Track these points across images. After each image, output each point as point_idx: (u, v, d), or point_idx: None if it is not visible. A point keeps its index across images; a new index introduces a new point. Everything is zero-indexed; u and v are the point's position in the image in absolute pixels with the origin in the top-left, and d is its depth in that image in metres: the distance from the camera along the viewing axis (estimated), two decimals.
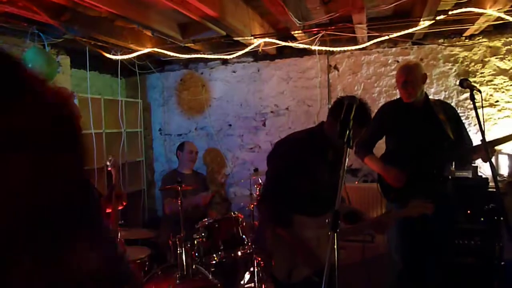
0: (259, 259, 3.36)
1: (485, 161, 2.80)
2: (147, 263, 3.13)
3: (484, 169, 3.77)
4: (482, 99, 2.41)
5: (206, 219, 3.17)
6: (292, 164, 2.22)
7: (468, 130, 3.97)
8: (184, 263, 2.79)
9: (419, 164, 2.82)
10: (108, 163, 2.46)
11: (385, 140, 3.14)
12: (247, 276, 3.50)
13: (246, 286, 3.47)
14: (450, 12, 3.22)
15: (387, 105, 3.16)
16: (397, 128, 2.99)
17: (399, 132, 2.99)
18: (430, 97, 3.05)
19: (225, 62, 4.91)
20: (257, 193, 3.53)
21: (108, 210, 2.23)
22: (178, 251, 2.80)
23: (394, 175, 2.85)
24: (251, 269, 3.42)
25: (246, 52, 4.01)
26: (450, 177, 2.98)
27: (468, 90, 2.36)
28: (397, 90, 4.19)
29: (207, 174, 4.92)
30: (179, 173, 3.98)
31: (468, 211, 3.36)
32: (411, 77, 2.84)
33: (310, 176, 2.23)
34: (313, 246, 2.22)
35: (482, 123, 2.27)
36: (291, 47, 4.05)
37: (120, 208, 2.29)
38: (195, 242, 3.02)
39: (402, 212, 2.46)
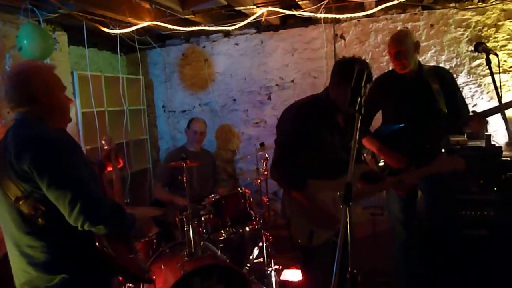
0: (268, 234, 3.32)
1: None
2: (154, 241, 3.09)
3: (497, 137, 3.66)
4: (499, 63, 2.28)
5: (212, 196, 3.12)
6: (300, 127, 2.20)
7: (480, 98, 3.90)
8: (192, 241, 2.74)
9: (411, 137, 2.73)
10: (103, 142, 2.38)
11: (381, 113, 3.04)
12: (255, 251, 3.48)
13: (255, 261, 3.45)
14: None
15: (380, 78, 3.02)
16: (389, 101, 2.90)
17: (391, 105, 2.90)
18: (433, 63, 2.93)
19: (227, 34, 4.76)
20: (264, 168, 3.46)
21: (109, 169, 2.22)
22: (186, 229, 2.75)
23: (395, 158, 2.75)
24: (260, 244, 3.40)
25: (248, 23, 3.86)
26: (443, 150, 2.90)
27: (481, 56, 2.23)
28: None
29: (215, 152, 4.86)
30: (185, 150, 3.90)
31: (481, 181, 3.27)
32: (403, 47, 2.71)
33: (319, 139, 2.20)
34: (330, 208, 2.21)
35: (499, 89, 2.16)
36: (295, 17, 3.89)
37: (119, 166, 2.26)
38: (202, 219, 2.98)
39: (430, 169, 2.35)
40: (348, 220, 1.40)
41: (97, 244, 1.60)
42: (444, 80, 2.81)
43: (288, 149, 2.23)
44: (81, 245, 1.60)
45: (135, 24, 3.79)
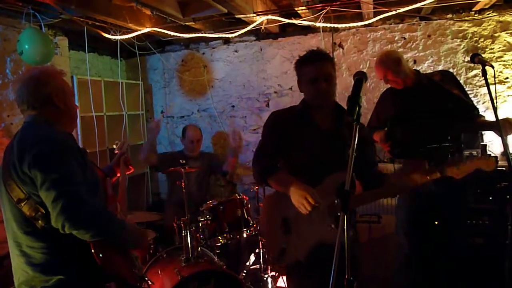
0: (264, 240, 3.33)
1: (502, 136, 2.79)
2: (152, 246, 3.10)
3: (493, 147, 3.70)
4: (494, 75, 2.31)
5: (210, 201, 3.13)
6: (271, 132, 2.18)
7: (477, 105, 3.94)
8: (189, 246, 2.75)
9: (425, 141, 2.80)
10: (114, 146, 2.40)
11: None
12: (252, 257, 3.49)
13: (251, 267, 3.46)
14: None
15: (385, 93, 3.16)
16: (396, 114, 2.97)
17: (400, 118, 2.96)
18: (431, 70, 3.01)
19: (226, 41, 4.79)
20: None
21: (118, 174, 2.23)
22: (183, 234, 2.76)
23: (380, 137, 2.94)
24: (256, 250, 3.41)
25: (248, 31, 3.90)
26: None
27: (477, 66, 2.29)
28: None
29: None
30: (184, 155, 3.91)
31: (478, 190, 3.29)
32: (389, 71, 2.83)
33: (295, 144, 2.08)
34: (304, 223, 2.00)
35: (494, 99, 2.19)
36: (294, 25, 3.93)
37: (128, 173, 2.27)
38: (200, 225, 2.99)
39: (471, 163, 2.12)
40: (345, 227, 1.41)
41: (92, 250, 1.60)
42: (446, 79, 2.87)
43: (263, 147, 2.20)
44: (79, 249, 1.61)
45: (135, 30, 3.81)
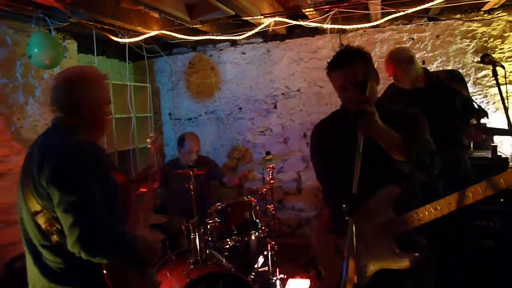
0: (273, 242, 3.32)
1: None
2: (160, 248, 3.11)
3: (503, 148, 3.66)
4: (505, 75, 2.29)
5: (219, 204, 3.13)
6: (317, 150, 2.01)
7: (486, 108, 3.89)
8: (198, 248, 2.75)
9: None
10: (148, 140, 2.40)
11: None
12: (260, 260, 3.47)
13: (260, 269, 3.44)
14: None
15: (389, 91, 3.08)
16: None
17: None
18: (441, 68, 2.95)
19: (234, 43, 4.80)
20: (270, 177, 3.47)
21: (142, 189, 2.13)
22: (192, 236, 2.76)
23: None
24: (265, 252, 3.39)
25: (255, 33, 3.90)
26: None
27: (487, 66, 2.25)
28: None
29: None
30: (179, 164, 3.79)
31: None
32: (399, 69, 2.77)
33: (342, 157, 1.72)
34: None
35: (506, 100, 2.17)
36: (301, 26, 3.93)
37: (155, 187, 2.22)
38: (208, 227, 2.98)
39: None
40: (354, 230, 1.39)
41: (104, 272, 1.56)
42: (454, 79, 2.84)
43: (321, 180, 2.02)
44: (93, 266, 1.56)
45: (143, 33, 3.83)
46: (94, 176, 1.55)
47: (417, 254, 1.62)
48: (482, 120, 2.96)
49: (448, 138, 2.68)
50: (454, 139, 2.81)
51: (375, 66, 4.36)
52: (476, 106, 2.94)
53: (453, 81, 2.84)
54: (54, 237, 1.53)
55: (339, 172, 1.77)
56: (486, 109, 3.89)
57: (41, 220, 1.54)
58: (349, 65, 1.73)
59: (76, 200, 1.47)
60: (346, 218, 1.37)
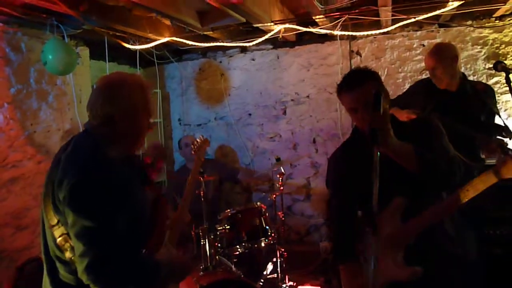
0: (282, 249, 3.32)
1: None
2: None
3: None
4: None
5: (229, 210, 3.13)
6: (335, 181, 1.98)
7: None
8: (208, 254, 2.76)
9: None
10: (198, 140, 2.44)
11: None
12: (269, 266, 3.47)
13: (268, 276, 3.44)
14: None
15: (421, 83, 3.02)
16: (427, 108, 2.85)
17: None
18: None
19: (243, 50, 4.82)
20: (279, 183, 3.47)
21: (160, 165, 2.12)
22: (202, 243, 2.77)
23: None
24: (274, 259, 3.39)
25: (265, 39, 3.92)
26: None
27: (499, 73, 2.23)
28: (422, 76, 4.09)
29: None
30: (187, 169, 3.80)
31: (497, 198, 3.22)
32: (437, 64, 2.70)
33: (361, 184, 1.73)
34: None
35: None
36: (311, 33, 3.94)
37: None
38: (218, 233, 2.99)
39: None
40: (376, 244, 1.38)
41: None
42: (490, 94, 2.79)
43: (335, 212, 2.02)
44: None
45: (154, 40, 3.87)
46: (116, 200, 1.45)
47: (418, 268, 1.58)
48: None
49: (466, 148, 2.65)
50: (472, 150, 2.76)
51: (385, 73, 4.39)
52: (503, 124, 2.88)
53: (486, 95, 2.79)
54: (68, 254, 1.46)
55: (355, 201, 1.84)
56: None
57: (57, 233, 1.48)
58: (358, 87, 1.71)
59: (90, 226, 1.38)
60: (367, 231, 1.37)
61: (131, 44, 3.90)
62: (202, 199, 2.94)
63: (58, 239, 1.47)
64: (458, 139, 2.60)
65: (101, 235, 1.40)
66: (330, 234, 2.08)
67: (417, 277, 1.57)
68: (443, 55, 2.71)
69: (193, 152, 2.52)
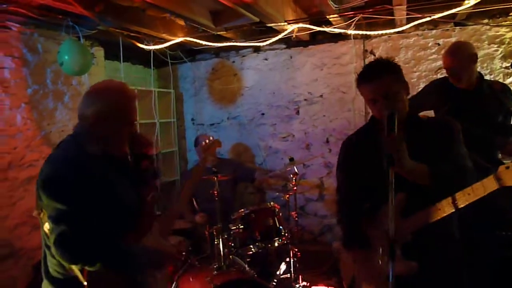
0: (296, 249, 3.31)
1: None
2: (183, 253, 3.13)
3: None
4: None
5: (242, 210, 3.13)
6: (344, 167, 1.98)
7: None
8: (222, 254, 2.76)
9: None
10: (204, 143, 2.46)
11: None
12: (283, 266, 3.46)
13: (281, 276, 3.43)
14: None
15: (437, 83, 2.98)
16: (443, 109, 2.81)
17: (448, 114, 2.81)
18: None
19: (256, 49, 4.82)
20: (293, 183, 3.46)
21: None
22: (216, 242, 2.77)
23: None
24: (287, 259, 3.38)
25: (278, 39, 3.91)
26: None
27: None
28: (437, 75, 4.05)
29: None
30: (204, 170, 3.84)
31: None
32: (455, 62, 2.65)
33: (367, 164, 1.82)
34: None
35: None
36: (324, 32, 3.91)
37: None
38: (232, 233, 2.99)
39: None
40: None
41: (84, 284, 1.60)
42: (507, 93, 2.75)
43: (343, 198, 1.99)
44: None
45: (168, 40, 3.90)
46: (84, 190, 1.58)
47: (414, 263, 1.58)
48: None
49: (483, 149, 2.58)
50: (489, 151, 2.71)
51: None
52: None
53: (503, 95, 2.75)
54: (50, 240, 1.57)
55: (363, 188, 1.83)
56: None
57: (43, 220, 1.63)
58: (379, 78, 1.70)
59: (60, 208, 1.53)
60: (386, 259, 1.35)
61: (145, 45, 3.93)
62: (216, 198, 2.94)
63: (44, 226, 1.62)
64: (475, 141, 2.58)
65: (69, 215, 1.54)
66: (339, 219, 2.03)
67: (413, 272, 1.56)
68: (462, 54, 2.66)
69: (201, 150, 2.51)
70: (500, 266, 2.89)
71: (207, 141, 2.51)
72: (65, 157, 1.65)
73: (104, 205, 1.62)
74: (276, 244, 3.08)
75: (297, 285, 3.27)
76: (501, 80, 3.83)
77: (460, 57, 2.66)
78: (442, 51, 3.99)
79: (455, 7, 3.23)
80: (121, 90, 1.76)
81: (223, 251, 2.77)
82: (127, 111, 1.74)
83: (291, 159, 3.56)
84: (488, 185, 1.55)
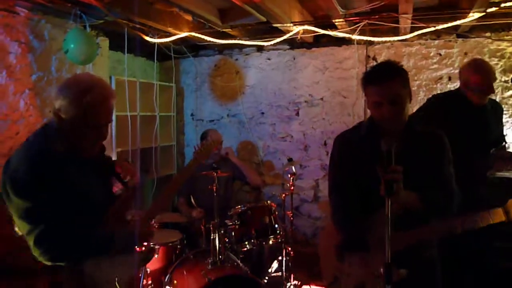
0: (289, 248, 3.35)
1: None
2: (178, 247, 3.15)
3: None
4: None
5: (239, 206, 3.16)
6: (337, 161, 1.94)
7: (510, 129, 3.87)
8: (217, 249, 2.79)
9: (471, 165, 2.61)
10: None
11: None
12: (275, 264, 3.50)
13: (273, 274, 3.47)
14: (502, 5, 3.07)
15: (445, 98, 3.00)
16: (451, 125, 2.84)
17: (459, 130, 2.82)
18: None
19: (260, 49, 4.85)
20: (290, 183, 3.49)
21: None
22: (212, 237, 2.80)
23: None
24: (279, 258, 3.41)
25: (282, 40, 3.94)
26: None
27: None
28: (437, 85, 4.10)
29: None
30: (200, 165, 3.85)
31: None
32: (485, 80, 2.63)
33: (362, 165, 1.79)
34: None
35: None
36: (329, 35, 3.95)
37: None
38: (228, 229, 3.03)
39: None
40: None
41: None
42: (498, 112, 2.81)
43: (337, 194, 1.95)
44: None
45: (173, 34, 3.91)
46: (49, 185, 1.55)
47: (403, 270, 1.51)
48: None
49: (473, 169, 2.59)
50: (480, 171, 2.76)
51: None
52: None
53: (501, 111, 2.81)
54: (17, 230, 1.62)
55: (354, 185, 1.84)
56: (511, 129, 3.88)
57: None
58: (386, 82, 1.68)
59: (29, 206, 1.52)
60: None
61: (150, 37, 3.94)
62: (215, 194, 2.97)
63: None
64: (473, 156, 2.60)
65: (41, 213, 1.53)
66: (336, 220, 2.02)
67: (402, 278, 1.52)
68: (492, 72, 2.70)
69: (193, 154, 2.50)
70: (496, 278, 2.95)
71: (205, 142, 2.50)
72: (27, 155, 1.58)
73: (70, 201, 1.59)
74: (270, 242, 3.12)
75: (288, 284, 3.31)
76: (499, 94, 3.90)
77: (491, 76, 2.68)
78: (444, 61, 4.07)
79: (460, 19, 3.28)
80: (93, 87, 1.60)
81: (218, 246, 2.80)
82: (93, 112, 1.59)
83: (290, 159, 3.59)
84: (495, 216, 1.67)
